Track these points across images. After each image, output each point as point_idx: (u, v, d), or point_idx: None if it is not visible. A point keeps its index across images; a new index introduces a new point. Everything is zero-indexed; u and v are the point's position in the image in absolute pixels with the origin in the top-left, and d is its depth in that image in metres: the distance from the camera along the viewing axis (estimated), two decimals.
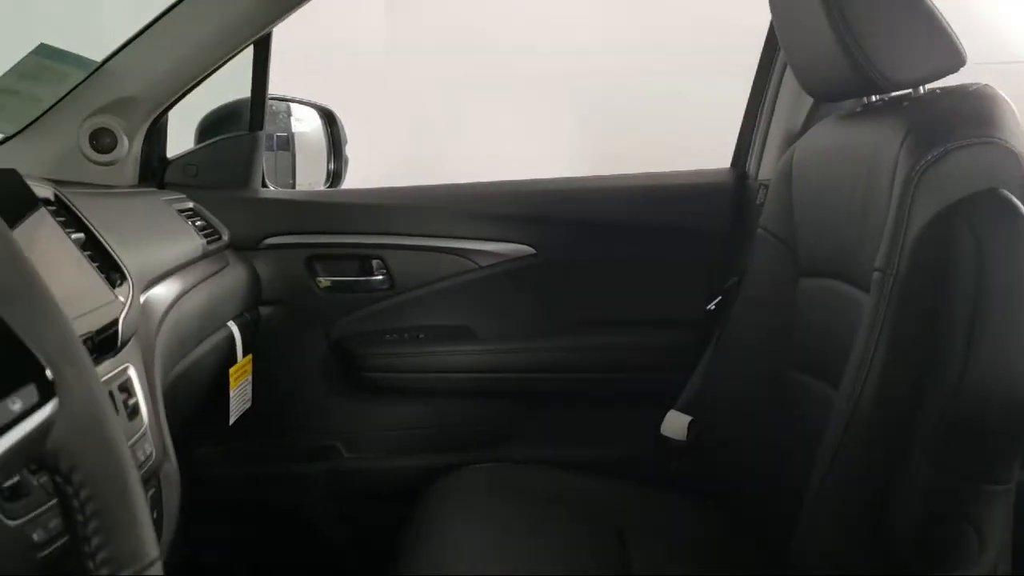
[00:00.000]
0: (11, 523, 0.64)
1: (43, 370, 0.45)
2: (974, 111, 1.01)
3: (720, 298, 1.62)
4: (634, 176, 1.79)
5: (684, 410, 1.60)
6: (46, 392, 0.45)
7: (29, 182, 0.88)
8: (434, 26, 3.96)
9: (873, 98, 1.17)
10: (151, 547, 0.48)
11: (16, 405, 0.43)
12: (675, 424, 1.59)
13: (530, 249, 1.73)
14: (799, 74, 1.24)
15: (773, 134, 1.70)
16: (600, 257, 1.75)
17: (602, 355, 1.76)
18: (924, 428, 0.94)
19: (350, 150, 1.97)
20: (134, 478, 0.49)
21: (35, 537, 0.66)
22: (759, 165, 1.72)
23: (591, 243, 1.74)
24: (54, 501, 0.69)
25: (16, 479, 0.65)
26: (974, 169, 0.95)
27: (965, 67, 1.07)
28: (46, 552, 0.67)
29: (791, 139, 1.57)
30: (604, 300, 1.76)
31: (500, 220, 1.73)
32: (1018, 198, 0.93)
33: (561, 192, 1.78)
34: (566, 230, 1.74)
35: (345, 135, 1.92)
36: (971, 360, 0.91)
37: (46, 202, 0.92)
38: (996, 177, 0.94)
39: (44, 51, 1.43)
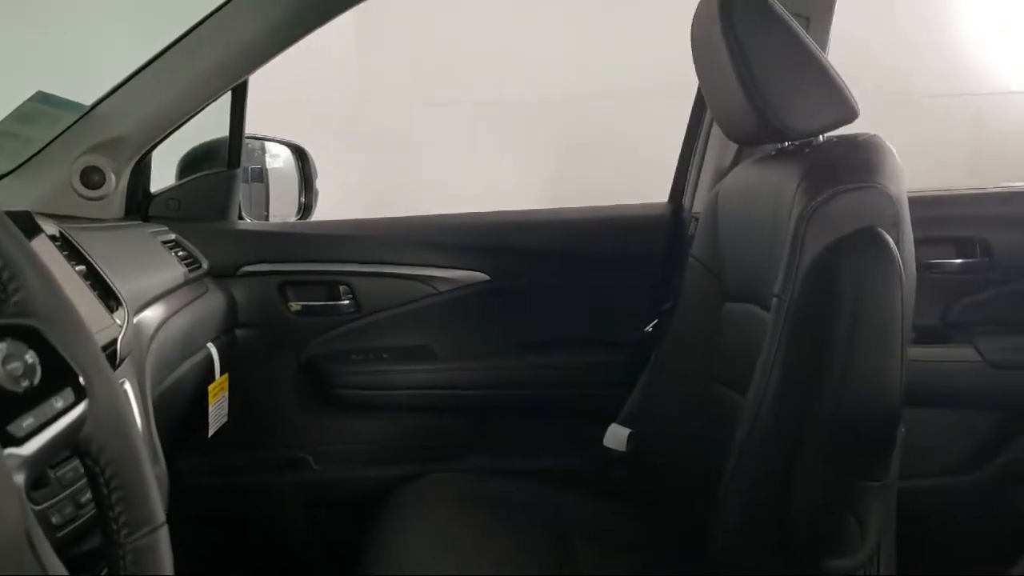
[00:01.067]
0: (35, 507, 0.76)
1: (77, 377, 0.55)
2: (860, 159, 1.11)
3: (657, 320, 1.69)
4: (580, 209, 1.86)
5: (624, 423, 1.64)
6: (80, 394, 0.55)
7: (38, 220, 1.00)
8: (403, 61, 3.99)
9: (786, 144, 1.26)
10: (160, 513, 0.59)
11: (59, 403, 0.53)
12: (616, 436, 1.63)
13: (484, 276, 1.78)
14: (720, 122, 1.34)
15: (705, 172, 1.76)
16: (548, 283, 1.79)
17: (550, 372, 1.80)
18: (814, 430, 1.05)
19: (320, 183, 1.99)
20: (146, 461, 0.60)
21: (53, 520, 0.77)
22: (693, 199, 1.79)
23: (540, 270, 1.79)
24: (67, 492, 0.81)
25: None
26: (855, 210, 1.06)
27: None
28: (62, 533, 0.78)
29: (720, 177, 1.65)
30: (552, 322, 1.80)
31: (457, 249, 1.78)
32: (891, 234, 1.05)
33: (513, 224, 1.84)
34: (517, 258, 1.79)
35: (315, 170, 1.95)
36: (849, 374, 1.03)
37: (52, 238, 1.02)
38: (874, 217, 1.05)
39: (40, 97, 1.49)
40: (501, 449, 1.81)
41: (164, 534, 0.60)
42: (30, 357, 0.53)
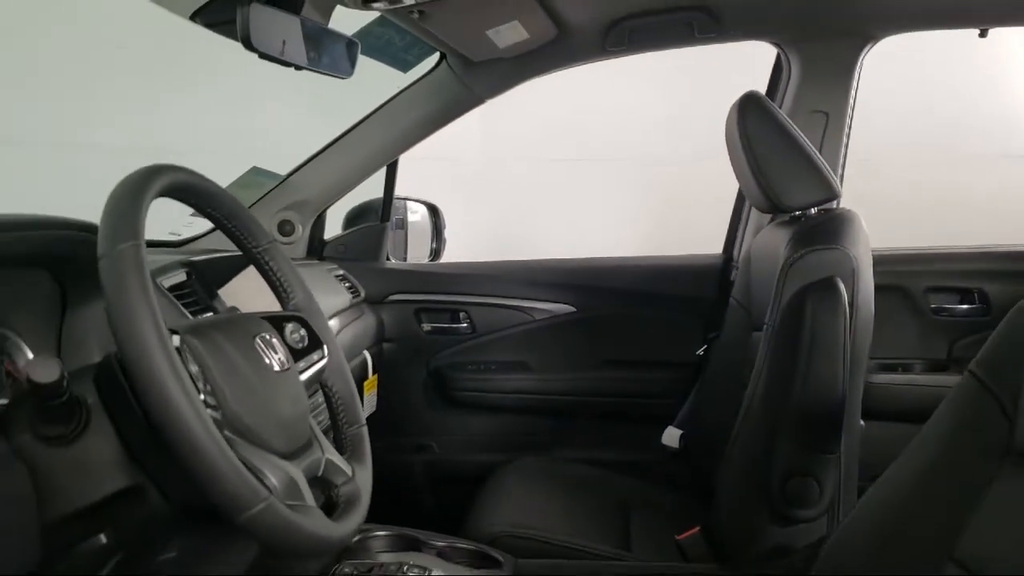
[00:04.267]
0: None
1: (323, 345, 1.02)
2: (831, 228, 1.41)
3: (706, 346, 1.99)
4: (650, 257, 2.18)
5: (677, 426, 1.96)
6: (323, 354, 1.02)
7: None
8: (519, 131, 4.31)
9: (796, 213, 1.53)
10: (363, 418, 1.06)
11: (315, 357, 1.00)
12: (670, 436, 1.95)
13: (572, 308, 2.10)
14: (745, 193, 1.62)
15: (749, 230, 2.05)
16: (622, 315, 2.09)
17: (621, 384, 2.08)
18: (785, 418, 1.36)
19: (450, 232, 2.34)
20: (355, 391, 1.08)
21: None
22: (740, 251, 2.07)
23: (616, 305, 2.10)
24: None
25: None
26: (820, 265, 1.37)
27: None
28: None
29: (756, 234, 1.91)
30: (624, 346, 2.10)
31: (550, 287, 2.11)
32: (849, 283, 1.35)
33: (596, 268, 2.16)
34: (598, 295, 2.10)
35: (444, 223, 2.31)
36: (807, 379, 1.34)
37: None
38: (834, 270, 1.36)
39: (253, 171, 2.00)
40: (580, 443, 2.11)
41: (365, 430, 1.07)
42: (302, 331, 1.01)
